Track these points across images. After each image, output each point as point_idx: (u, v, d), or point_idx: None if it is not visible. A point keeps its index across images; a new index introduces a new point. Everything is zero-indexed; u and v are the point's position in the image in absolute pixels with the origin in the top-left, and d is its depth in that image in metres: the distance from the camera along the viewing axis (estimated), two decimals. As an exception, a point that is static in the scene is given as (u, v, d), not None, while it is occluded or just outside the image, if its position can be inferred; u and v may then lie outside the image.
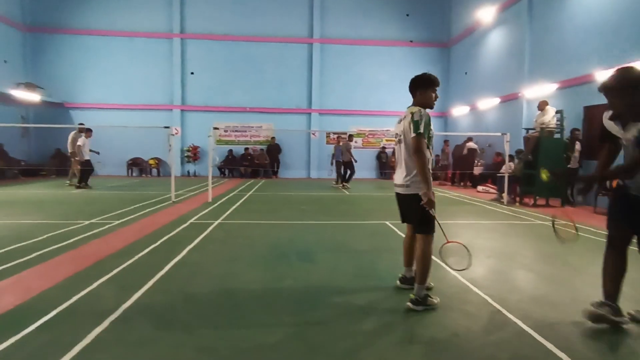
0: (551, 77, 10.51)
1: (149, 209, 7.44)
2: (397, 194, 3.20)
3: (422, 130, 2.85)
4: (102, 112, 16.49)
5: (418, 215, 2.98)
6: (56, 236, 5.08)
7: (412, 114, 2.93)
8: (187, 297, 3.17)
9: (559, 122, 9.01)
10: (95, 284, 3.35)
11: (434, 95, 3.10)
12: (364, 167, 16.36)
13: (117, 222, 6.13)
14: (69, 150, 11.60)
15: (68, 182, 11.70)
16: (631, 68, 2.65)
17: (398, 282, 3.46)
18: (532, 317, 2.83)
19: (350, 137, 14.04)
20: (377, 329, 2.64)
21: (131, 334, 2.51)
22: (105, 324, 2.61)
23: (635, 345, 2.44)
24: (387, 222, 6.46)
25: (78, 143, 10.96)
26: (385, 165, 17.46)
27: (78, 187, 10.80)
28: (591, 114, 9.17)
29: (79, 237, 5.04)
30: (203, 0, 16.78)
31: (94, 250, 4.50)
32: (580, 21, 9.56)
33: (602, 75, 8.66)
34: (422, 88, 3.10)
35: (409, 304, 2.94)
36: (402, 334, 2.58)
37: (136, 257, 4.19)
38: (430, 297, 3.01)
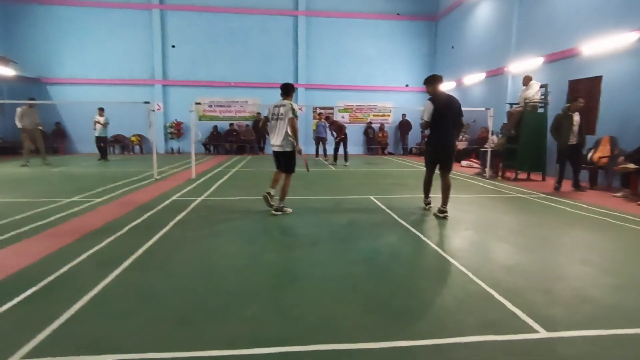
0: (537, 51, 10.50)
1: (131, 187, 7.35)
2: (275, 152, 5.27)
3: (297, 115, 5.11)
4: (80, 88, 15.97)
5: (291, 161, 5.26)
6: (34, 215, 5.01)
7: (291, 104, 5.07)
8: (167, 272, 3.19)
9: (543, 97, 9.06)
10: (74, 262, 3.34)
11: None
12: (351, 142, 16.32)
13: (98, 200, 6.06)
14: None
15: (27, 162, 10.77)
16: (432, 75, 5.38)
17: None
18: (502, 285, 2.94)
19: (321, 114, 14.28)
20: (352, 299, 2.71)
21: (110, 308, 2.54)
22: (85, 299, 2.63)
23: (592, 310, 2.57)
24: (372, 197, 6.53)
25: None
26: (372, 140, 17.47)
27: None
28: (576, 88, 9.24)
29: (58, 216, 4.98)
30: (182, -32, 16.07)
31: (73, 228, 4.46)
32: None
33: (588, 47, 8.66)
34: (293, 91, 5.36)
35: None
36: (379, 302, 2.66)
37: (116, 235, 4.17)
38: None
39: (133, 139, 16.34)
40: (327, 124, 13.44)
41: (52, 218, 4.84)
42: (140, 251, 3.64)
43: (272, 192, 5.32)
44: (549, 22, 10.19)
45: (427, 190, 5.66)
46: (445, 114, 5.10)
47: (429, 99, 5.19)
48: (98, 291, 2.77)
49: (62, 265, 3.22)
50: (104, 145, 12.77)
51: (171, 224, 4.67)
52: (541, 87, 9.04)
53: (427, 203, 5.71)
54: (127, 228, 4.44)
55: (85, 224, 4.62)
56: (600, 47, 8.36)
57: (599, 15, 8.49)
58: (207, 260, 3.50)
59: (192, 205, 5.77)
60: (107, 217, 4.94)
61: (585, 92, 8.83)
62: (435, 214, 5.25)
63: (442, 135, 5.19)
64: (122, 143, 16.41)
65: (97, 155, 12.85)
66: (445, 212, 5.13)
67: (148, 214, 5.14)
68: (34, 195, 6.36)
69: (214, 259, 3.54)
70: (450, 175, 5.34)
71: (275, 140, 5.19)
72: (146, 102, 8.87)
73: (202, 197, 6.40)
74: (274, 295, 2.79)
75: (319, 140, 13.98)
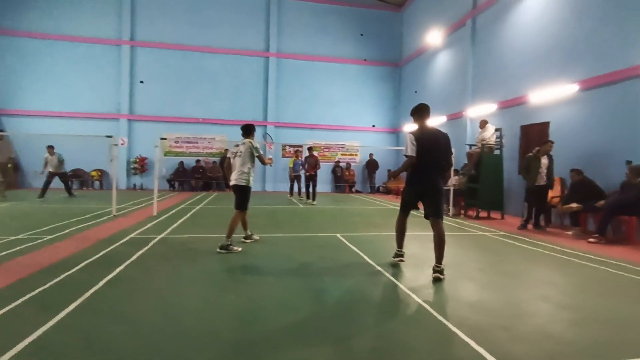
0: (491, 98, 11.31)
1: (87, 224, 6.94)
2: (232, 186, 5.40)
3: (259, 150, 5.41)
4: (40, 120, 15.35)
5: (242, 197, 5.36)
6: (-27, 253, 4.58)
7: (251, 142, 5.38)
8: (119, 315, 2.96)
9: (498, 139, 9.65)
10: (13, 304, 3.04)
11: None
12: (319, 180, 16.45)
13: (49, 237, 5.66)
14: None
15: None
16: (419, 104, 4.60)
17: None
18: (466, 323, 2.94)
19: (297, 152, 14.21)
20: (318, 343, 2.61)
21: (49, 357, 2.29)
22: (19, 347, 2.36)
23: (552, 346, 2.61)
24: (338, 235, 6.51)
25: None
26: (340, 178, 17.71)
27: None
28: (526, 132, 9.94)
29: (0, 254, 4.57)
30: (155, 7, 16.36)
31: (16, 267, 4.10)
32: (517, 46, 10.39)
33: (536, 96, 9.44)
34: (253, 131, 5.59)
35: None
36: (345, 345, 2.57)
37: (65, 275, 3.87)
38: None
39: (93, 173, 15.67)
40: (303, 160, 13.17)
41: (-7, 257, 4.44)
42: (89, 292, 3.38)
43: (247, 233, 5.85)
44: (499, 72, 11.09)
45: (400, 239, 4.75)
46: (431, 150, 4.28)
47: (411, 132, 4.40)
48: (35, 338, 2.50)
49: (-3, 310, 2.92)
50: (64, 180, 12.08)
51: (127, 263, 4.40)
52: (496, 130, 9.65)
53: (399, 255, 4.76)
54: (77, 267, 4.13)
55: (31, 263, 4.26)
56: (546, 95, 9.13)
57: (544, 67, 9.36)
58: (164, 301, 3.29)
59: (151, 243, 5.50)
60: (56, 256, 4.59)
61: (536, 136, 9.52)
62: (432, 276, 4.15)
63: (424, 175, 4.30)
64: (81, 178, 15.67)
65: (57, 190, 12.09)
66: (440, 271, 4.13)
67: (102, 253, 4.83)
68: (-26, 233, 5.85)
69: (172, 300, 3.33)
70: (415, 213, 4.79)
71: (233, 175, 5.39)
72: (108, 136, 8.62)
73: (163, 235, 6.12)
74: (235, 339, 2.63)
75: (295, 178, 13.74)
